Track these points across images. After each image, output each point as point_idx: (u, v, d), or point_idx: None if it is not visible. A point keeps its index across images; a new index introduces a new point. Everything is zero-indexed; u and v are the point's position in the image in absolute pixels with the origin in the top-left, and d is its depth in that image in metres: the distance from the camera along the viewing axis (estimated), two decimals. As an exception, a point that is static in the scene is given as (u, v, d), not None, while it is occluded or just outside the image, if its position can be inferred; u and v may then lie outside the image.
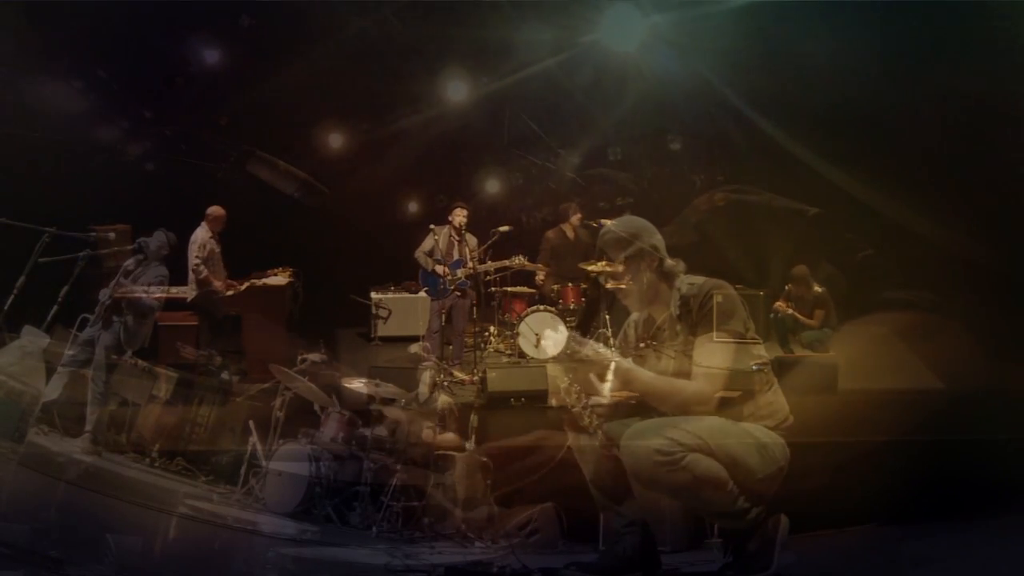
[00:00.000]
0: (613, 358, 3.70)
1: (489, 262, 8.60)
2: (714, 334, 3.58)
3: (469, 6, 8.02)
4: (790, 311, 8.39)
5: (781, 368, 7.31)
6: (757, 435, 3.77)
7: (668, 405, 3.70)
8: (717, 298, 3.65)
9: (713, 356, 3.57)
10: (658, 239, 3.91)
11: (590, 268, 7.04)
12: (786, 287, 8.49)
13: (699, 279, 3.79)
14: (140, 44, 8.05)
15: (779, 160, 8.25)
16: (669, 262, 3.86)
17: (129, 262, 6.76)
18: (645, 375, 3.72)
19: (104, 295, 6.66)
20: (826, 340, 8.35)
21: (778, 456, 3.81)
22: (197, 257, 7.86)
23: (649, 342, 3.95)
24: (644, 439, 3.63)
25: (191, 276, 7.96)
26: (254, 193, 8.44)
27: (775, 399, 3.84)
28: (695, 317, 3.68)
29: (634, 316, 3.92)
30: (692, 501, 3.84)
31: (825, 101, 7.82)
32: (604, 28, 7.73)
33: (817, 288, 8.41)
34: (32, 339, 6.43)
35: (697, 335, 3.65)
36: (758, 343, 3.77)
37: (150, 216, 7.54)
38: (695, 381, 3.64)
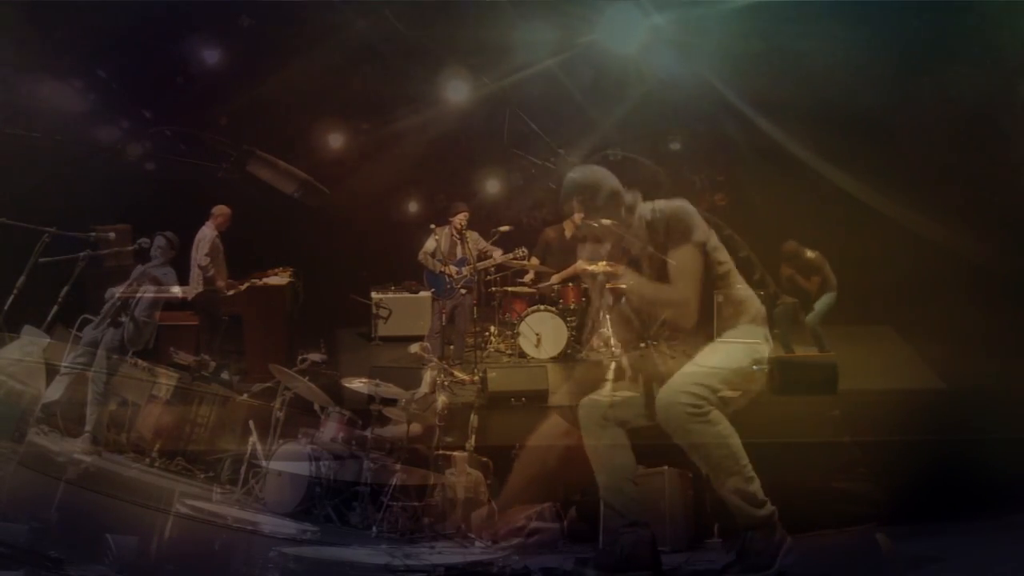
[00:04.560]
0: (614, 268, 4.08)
1: (494, 255, 8.59)
2: (684, 248, 3.95)
3: (469, 6, 8.01)
4: (794, 278, 8.35)
5: (781, 368, 7.35)
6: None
7: (656, 305, 4.08)
8: (680, 214, 4.03)
9: (686, 262, 3.95)
10: (615, 182, 4.18)
11: (591, 268, 7.12)
12: (781, 268, 8.46)
13: (660, 203, 4.11)
14: (140, 44, 8.05)
15: (779, 160, 8.26)
16: (628, 198, 4.16)
17: (152, 265, 6.81)
18: (638, 281, 4.06)
19: (111, 294, 6.67)
20: (832, 304, 8.32)
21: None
22: (206, 255, 7.90)
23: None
24: (676, 393, 4.01)
25: (193, 275, 7.97)
26: (254, 193, 8.44)
27: (746, 295, 4.17)
28: (663, 237, 4.02)
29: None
30: (710, 456, 4.12)
31: (825, 101, 7.82)
32: (604, 28, 7.72)
33: (810, 254, 8.37)
34: (32, 339, 6.42)
35: (668, 250, 4.00)
36: (720, 249, 4.10)
37: (150, 216, 7.54)
38: (674, 286, 3.99)
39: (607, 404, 4.26)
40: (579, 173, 4.27)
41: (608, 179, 4.18)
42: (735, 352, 4.08)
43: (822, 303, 8.37)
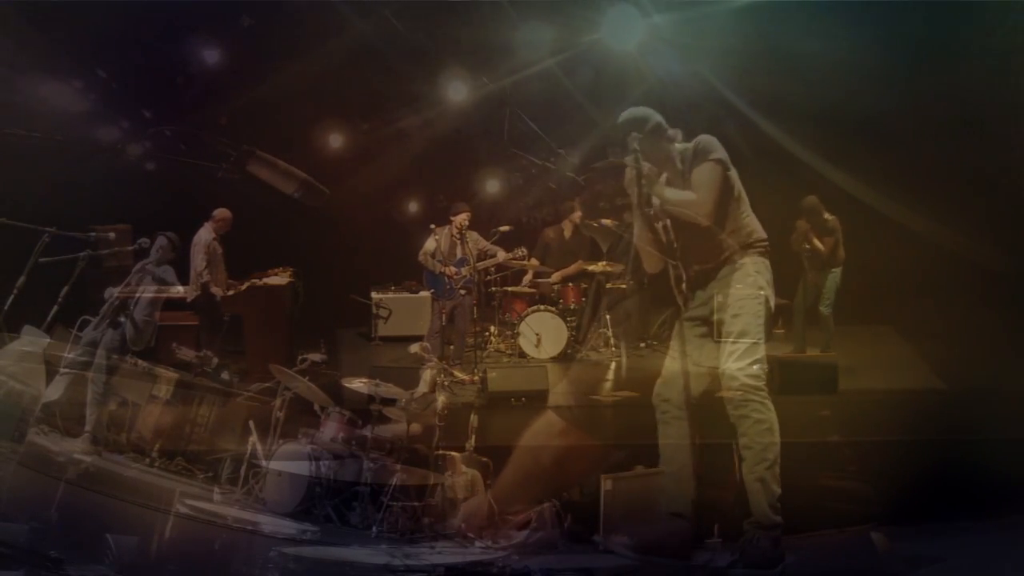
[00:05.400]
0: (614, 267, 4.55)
1: (497, 254, 8.61)
2: (705, 164, 4.62)
3: (469, 6, 8.01)
4: (809, 246, 8.41)
5: (781, 368, 7.35)
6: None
7: (678, 206, 4.65)
8: (705, 140, 4.71)
9: (705, 173, 4.62)
10: (660, 117, 4.82)
11: (591, 268, 7.37)
12: (796, 223, 8.49)
13: (689, 143, 4.78)
14: (140, 44, 8.05)
15: (779, 160, 8.25)
16: (671, 133, 4.82)
17: (149, 262, 6.81)
18: (669, 190, 4.68)
19: (110, 294, 6.67)
20: (838, 282, 8.40)
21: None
22: (203, 259, 7.91)
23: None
24: (742, 367, 4.56)
25: (192, 276, 7.97)
26: (254, 193, 8.45)
27: (749, 222, 4.75)
28: (691, 163, 4.70)
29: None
30: (754, 438, 4.58)
31: (825, 101, 7.82)
32: (604, 28, 7.73)
33: (828, 215, 8.40)
34: (32, 339, 6.42)
35: (694, 167, 4.68)
36: (736, 179, 4.73)
37: (150, 216, 7.54)
38: (696, 191, 4.64)
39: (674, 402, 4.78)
40: (629, 110, 4.83)
41: (654, 114, 4.80)
42: (753, 306, 4.62)
43: (832, 280, 8.42)
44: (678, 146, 4.80)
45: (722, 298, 4.65)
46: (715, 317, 4.65)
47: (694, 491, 4.79)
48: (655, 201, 4.70)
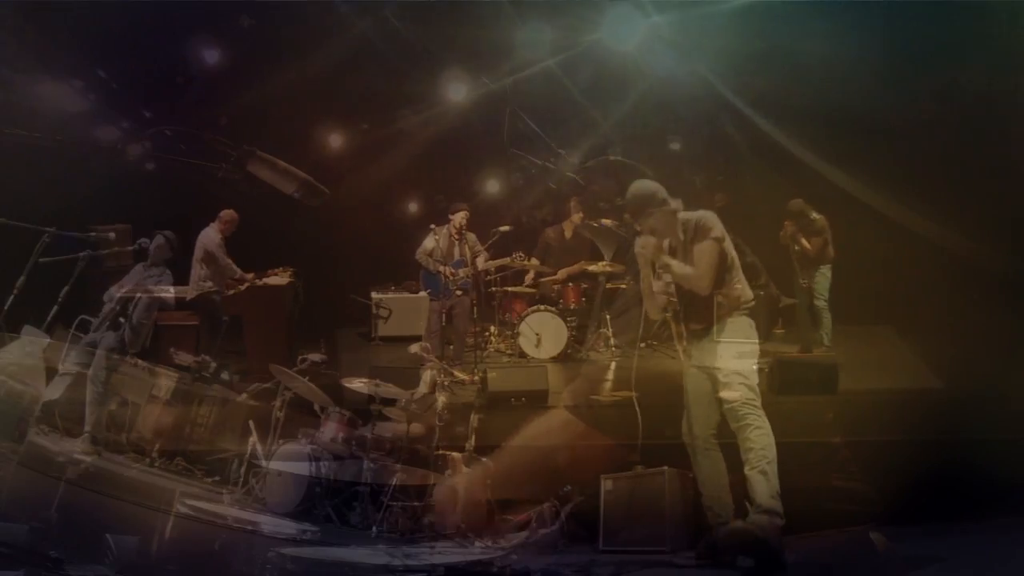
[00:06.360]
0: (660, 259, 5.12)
1: (489, 261, 8.63)
2: (705, 242, 5.06)
3: (469, 6, 8.02)
4: (797, 247, 8.46)
5: (781, 368, 7.35)
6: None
7: (682, 279, 5.11)
8: (705, 219, 5.13)
9: (705, 251, 5.09)
10: (664, 192, 5.21)
11: (591, 268, 7.41)
12: (784, 224, 8.51)
13: (691, 214, 5.20)
14: (140, 44, 8.05)
15: (779, 160, 8.26)
16: (673, 204, 5.21)
17: (149, 274, 6.81)
18: (676, 263, 5.12)
19: (110, 296, 6.67)
20: (829, 278, 8.47)
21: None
22: (226, 256, 7.98)
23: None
24: (740, 382, 5.04)
25: (193, 276, 7.97)
26: (254, 193, 8.45)
27: (739, 286, 5.19)
28: (691, 236, 5.14)
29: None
30: (753, 439, 4.95)
31: (825, 101, 7.82)
32: (604, 28, 7.73)
33: (815, 215, 8.43)
34: (32, 339, 6.42)
35: (695, 243, 5.13)
36: (731, 248, 5.15)
37: (150, 216, 7.54)
38: (696, 266, 5.10)
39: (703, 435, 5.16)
40: (636, 186, 5.27)
41: (659, 190, 5.21)
42: (745, 350, 5.14)
43: (822, 276, 8.47)
44: (681, 216, 5.20)
45: (718, 349, 5.17)
46: (715, 365, 5.12)
47: (731, 508, 5.05)
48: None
